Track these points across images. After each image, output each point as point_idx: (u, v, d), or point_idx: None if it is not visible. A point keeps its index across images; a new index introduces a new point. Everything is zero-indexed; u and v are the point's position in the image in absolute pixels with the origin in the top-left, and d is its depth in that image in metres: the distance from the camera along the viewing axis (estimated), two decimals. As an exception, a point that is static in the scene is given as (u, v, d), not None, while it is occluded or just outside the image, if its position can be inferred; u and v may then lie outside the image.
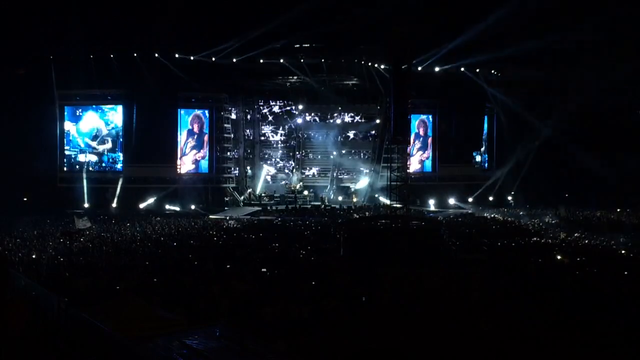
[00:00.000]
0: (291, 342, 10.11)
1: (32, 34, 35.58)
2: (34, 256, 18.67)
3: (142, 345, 8.88)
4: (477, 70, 42.69)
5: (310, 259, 18.65)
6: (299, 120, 45.37)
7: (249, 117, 45.50)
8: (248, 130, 45.43)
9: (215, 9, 35.40)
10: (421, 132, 45.17)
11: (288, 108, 45.76)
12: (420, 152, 45.12)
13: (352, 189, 43.84)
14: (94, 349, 9.05)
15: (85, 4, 34.05)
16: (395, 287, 13.91)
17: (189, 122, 41.16)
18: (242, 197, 42.66)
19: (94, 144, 40.15)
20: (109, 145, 40.13)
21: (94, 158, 40.29)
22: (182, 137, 40.91)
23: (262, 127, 45.85)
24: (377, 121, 44.18)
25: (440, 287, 13.43)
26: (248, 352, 8.68)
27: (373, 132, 44.97)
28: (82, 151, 40.22)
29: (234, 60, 38.91)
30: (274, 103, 45.71)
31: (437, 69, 41.32)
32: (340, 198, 42.91)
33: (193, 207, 38.24)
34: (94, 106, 40.21)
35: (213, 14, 35.64)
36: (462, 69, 42.10)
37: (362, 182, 43.97)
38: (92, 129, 40.15)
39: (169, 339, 9.39)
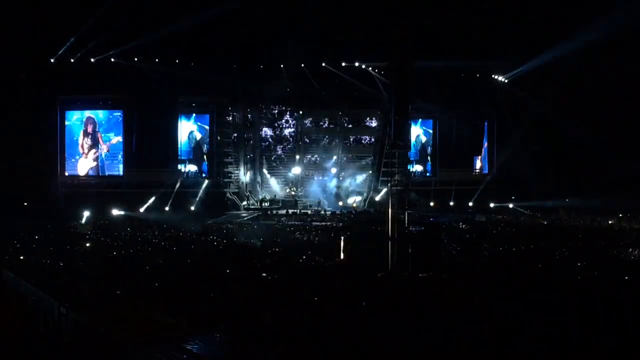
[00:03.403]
0: (292, 346, 10.09)
1: (32, 38, 35.63)
2: (34, 260, 18.67)
3: (143, 349, 8.89)
4: (478, 75, 42.82)
5: (311, 264, 18.65)
6: (300, 125, 45.41)
7: (249, 121, 45.52)
8: (249, 135, 45.43)
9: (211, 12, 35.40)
10: (422, 137, 45.24)
11: (289, 113, 45.78)
12: (421, 157, 45.18)
13: (354, 196, 43.82)
14: (95, 353, 9.06)
15: (85, 7, 34.10)
16: (395, 291, 13.91)
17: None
18: (242, 202, 42.67)
19: (94, 148, 40.20)
20: (107, 149, 40.16)
21: (95, 162, 40.31)
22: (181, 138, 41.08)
23: (263, 131, 45.86)
24: (378, 125, 44.21)
25: (440, 291, 13.43)
26: (249, 356, 8.69)
27: (373, 136, 45.00)
28: (83, 155, 40.27)
29: (234, 65, 38.99)
30: (274, 107, 45.74)
31: (438, 73, 41.34)
32: (340, 203, 42.92)
33: (192, 208, 38.54)
34: (94, 111, 40.25)
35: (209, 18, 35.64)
36: (463, 73, 42.18)
37: (361, 186, 44.06)
38: (94, 133, 40.20)
39: (170, 344, 9.40)
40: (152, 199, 38.39)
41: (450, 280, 15.17)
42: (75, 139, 40.22)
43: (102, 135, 40.20)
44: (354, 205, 42.25)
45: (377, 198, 41.79)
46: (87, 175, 40.12)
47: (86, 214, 35.06)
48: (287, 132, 45.99)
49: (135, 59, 37.70)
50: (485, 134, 46.62)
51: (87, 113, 40.24)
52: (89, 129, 40.14)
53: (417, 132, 44.70)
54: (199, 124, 41.54)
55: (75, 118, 40.32)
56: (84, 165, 40.30)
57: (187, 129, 41.32)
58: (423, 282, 14.83)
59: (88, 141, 40.21)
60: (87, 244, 22.78)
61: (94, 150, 40.29)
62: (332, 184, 44.23)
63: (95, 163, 40.32)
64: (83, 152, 40.18)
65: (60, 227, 28.69)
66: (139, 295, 13.48)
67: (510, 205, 41.77)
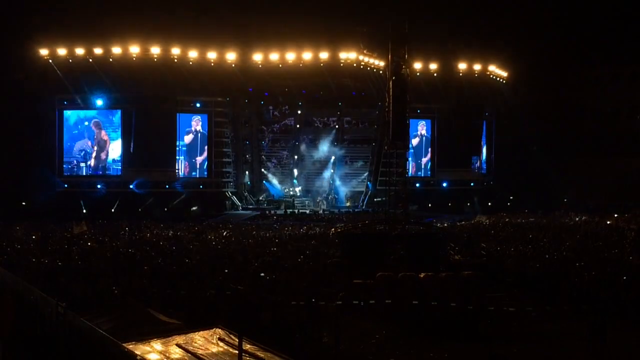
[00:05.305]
0: (289, 346, 10.12)
1: (30, 37, 35.62)
2: (33, 260, 18.66)
3: (140, 349, 8.91)
4: (476, 75, 42.87)
5: (309, 264, 18.65)
6: (298, 125, 45.33)
7: (248, 121, 45.44)
8: (247, 135, 45.38)
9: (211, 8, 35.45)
10: (420, 137, 45.25)
11: (287, 112, 45.69)
12: (419, 157, 45.20)
13: (350, 195, 43.88)
14: (92, 353, 9.06)
15: (84, 6, 34.11)
16: (393, 291, 13.92)
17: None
18: (241, 202, 42.64)
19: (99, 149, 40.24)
20: (105, 149, 40.14)
21: (92, 162, 40.24)
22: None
23: (261, 131, 45.77)
24: (376, 125, 44.18)
25: (438, 291, 13.45)
26: (246, 355, 8.71)
27: (372, 136, 44.96)
28: (80, 155, 40.19)
29: (233, 65, 38.95)
30: (272, 107, 45.62)
31: (436, 73, 41.45)
32: (339, 203, 42.93)
33: (191, 208, 38.57)
34: (93, 111, 40.17)
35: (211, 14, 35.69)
36: (461, 73, 42.26)
37: (360, 186, 44.12)
38: (90, 133, 40.16)
39: (168, 343, 9.42)
40: (150, 198, 38.34)
41: (449, 280, 15.19)
42: (75, 134, 40.16)
43: (103, 134, 40.17)
44: (348, 204, 42.38)
45: (376, 198, 41.80)
46: (85, 175, 40.04)
47: (84, 213, 35.05)
48: (285, 132, 45.86)
49: (134, 58, 37.53)
50: (483, 134, 46.68)
51: (91, 117, 40.12)
52: (96, 131, 40.05)
53: (416, 133, 44.68)
54: (197, 124, 41.46)
55: (75, 117, 40.25)
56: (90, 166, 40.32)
57: (186, 129, 41.24)
58: (422, 282, 14.83)
59: (96, 142, 40.18)
60: (88, 244, 22.77)
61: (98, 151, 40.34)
62: (337, 183, 44.17)
63: (96, 163, 40.28)
64: (93, 151, 40.11)
65: (59, 226, 28.62)
66: (138, 295, 13.50)
67: (508, 204, 41.85)
